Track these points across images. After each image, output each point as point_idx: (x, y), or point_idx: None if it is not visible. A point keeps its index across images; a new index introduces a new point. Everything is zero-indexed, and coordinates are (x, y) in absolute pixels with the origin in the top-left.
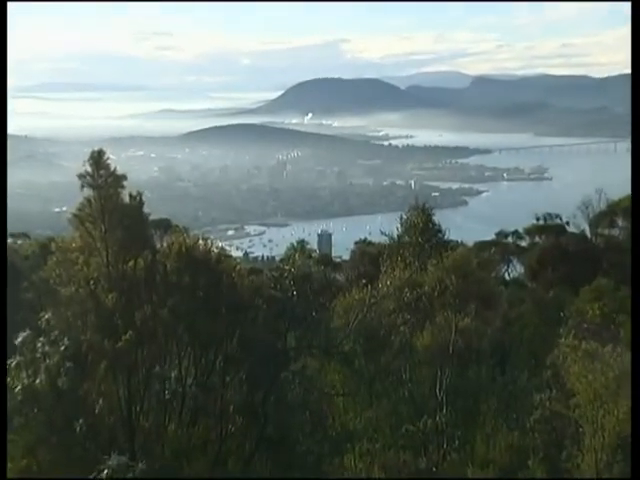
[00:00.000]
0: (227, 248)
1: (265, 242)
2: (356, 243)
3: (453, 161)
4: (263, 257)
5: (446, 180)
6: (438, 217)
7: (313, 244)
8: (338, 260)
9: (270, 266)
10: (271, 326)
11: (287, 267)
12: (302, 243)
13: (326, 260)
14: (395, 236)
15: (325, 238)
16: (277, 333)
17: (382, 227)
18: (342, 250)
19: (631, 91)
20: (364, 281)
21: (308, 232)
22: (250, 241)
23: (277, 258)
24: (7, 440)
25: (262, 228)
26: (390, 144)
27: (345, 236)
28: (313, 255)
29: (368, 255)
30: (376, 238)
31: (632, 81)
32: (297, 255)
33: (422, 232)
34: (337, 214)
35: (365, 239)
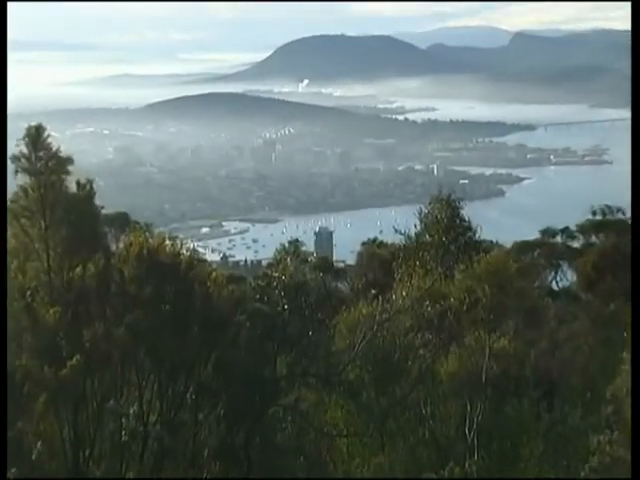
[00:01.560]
0: (201, 250)
1: (249, 242)
2: (363, 244)
3: (487, 140)
4: (246, 262)
5: (477, 164)
6: (467, 211)
7: (309, 245)
8: (341, 265)
9: (255, 273)
10: (256, 348)
11: (276, 274)
12: (295, 244)
13: (326, 265)
14: (413, 235)
15: (324, 237)
16: (264, 357)
17: (396, 224)
18: (346, 252)
19: (631, 91)
20: (374, 291)
21: (303, 230)
22: (230, 241)
23: (264, 263)
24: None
25: (245, 225)
26: (406, 119)
27: (350, 235)
28: (309, 259)
29: (378, 259)
30: (389, 237)
31: (632, 81)
32: (289, 259)
33: (447, 230)
34: (339, 207)
35: (375, 239)
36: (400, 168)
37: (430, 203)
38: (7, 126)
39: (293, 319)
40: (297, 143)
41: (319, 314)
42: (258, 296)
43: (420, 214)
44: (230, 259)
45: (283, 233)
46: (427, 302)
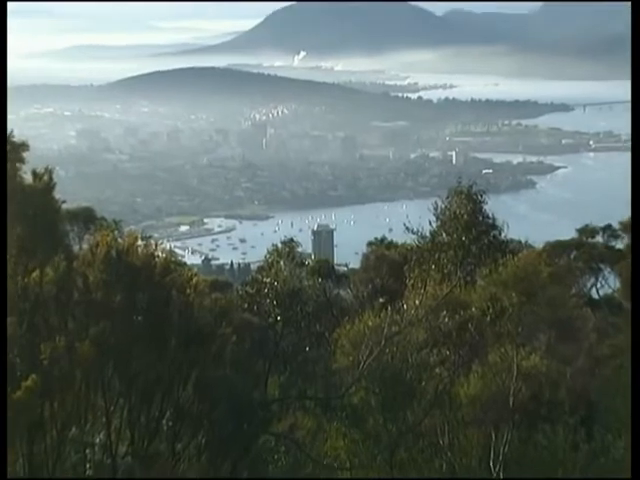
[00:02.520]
0: (179, 252)
1: (235, 243)
2: (370, 244)
3: (514, 122)
4: (232, 265)
5: (504, 151)
6: (491, 206)
7: (306, 245)
8: (343, 269)
9: (243, 278)
10: (244, 367)
11: (268, 280)
12: (290, 244)
13: (325, 269)
14: (428, 234)
15: (324, 237)
16: (253, 376)
17: (408, 221)
18: (349, 254)
19: (631, 91)
20: (381, 300)
21: (299, 228)
22: (213, 241)
23: (253, 266)
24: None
25: (231, 222)
26: (420, 97)
27: (353, 234)
28: (306, 262)
29: (387, 262)
30: (399, 236)
31: (632, 81)
32: (283, 262)
33: (467, 228)
34: (342, 201)
35: (383, 238)
36: (413, 156)
37: (448, 197)
38: (7, 124)
39: (287, 332)
40: (292, 126)
41: (318, 326)
42: (246, 305)
43: (436, 209)
44: (213, 262)
45: (275, 232)
46: (444, 312)
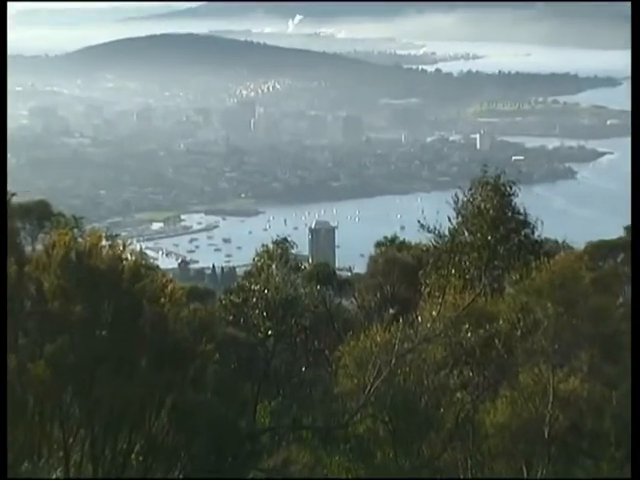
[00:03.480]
0: (151, 254)
1: (218, 243)
2: (378, 245)
3: (550, 99)
4: (215, 270)
5: (538, 134)
6: (523, 199)
7: (303, 246)
8: (346, 274)
9: (227, 285)
10: (229, 391)
11: (257, 287)
12: (283, 245)
13: (325, 274)
14: (447, 232)
15: (324, 236)
16: (239, 403)
17: (424, 217)
18: (353, 257)
19: (631, 91)
20: (392, 311)
21: (294, 225)
22: (192, 241)
23: (240, 271)
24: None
25: (213, 219)
26: (438, 70)
27: (359, 232)
28: (302, 266)
29: (399, 266)
30: (413, 235)
31: (632, 81)
32: (275, 266)
33: (494, 225)
34: (345, 194)
35: (394, 238)
36: (429, 139)
37: (471, 188)
38: (7, 122)
39: (280, 349)
40: (285, 104)
41: (316, 342)
42: (231, 317)
43: (457, 203)
44: (192, 266)
45: (266, 230)
46: (466, 326)
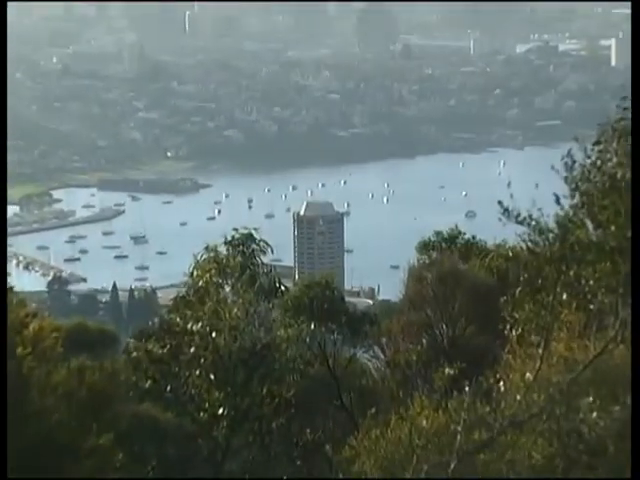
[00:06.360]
0: None
1: (123, 244)
2: (424, 247)
3: None
4: (117, 294)
5: None
6: None
7: (283, 250)
8: (364, 302)
9: (142, 324)
10: None
11: (196, 327)
12: (246, 245)
13: (325, 302)
14: (553, 224)
15: (321, 230)
16: None
17: (510, 194)
18: (377, 268)
19: (631, 91)
20: (449, 371)
21: (266, 209)
22: (74, 241)
23: (164, 296)
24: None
25: (113, 197)
26: None
27: (387, 223)
28: (280, 286)
29: (465, 286)
30: (489, 229)
31: (632, 81)
32: (230, 287)
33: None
34: (361, 152)
35: (454, 235)
36: (521, 48)
37: (599, 142)
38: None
39: (240, 443)
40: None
41: (308, 431)
42: (149, 384)
43: (571, 170)
44: (75, 287)
45: (213, 219)
46: (589, 399)
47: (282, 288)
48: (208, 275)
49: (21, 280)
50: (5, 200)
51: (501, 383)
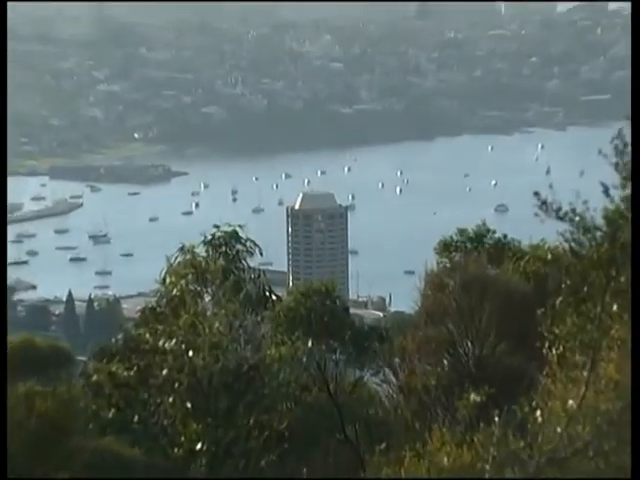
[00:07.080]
0: None
1: (80, 245)
2: (445, 248)
3: None
4: (73, 305)
5: None
6: None
7: (274, 252)
8: (373, 314)
9: (103, 340)
10: None
11: (168, 344)
12: (229, 246)
13: (325, 315)
14: (601, 219)
15: (321, 227)
16: None
17: (549, 185)
18: (388, 274)
19: (631, 91)
20: (475, 397)
21: (253, 202)
22: (19, 241)
23: (129, 307)
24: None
25: (68, 188)
26: None
27: (401, 218)
28: (270, 295)
29: (494, 296)
30: (523, 226)
31: (632, 81)
32: (210, 295)
33: None
34: (368, 131)
35: (483, 232)
36: (562, 7)
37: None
38: (7, 129)
39: None
40: None
41: (305, 470)
42: (112, 413)
43: (622, 155)
44: (22, 297)
45: (190, 214)
46: None
47: (273, 297)
48: (184, 282)
49: None
50: (5, 200)
51: (538, 412)
